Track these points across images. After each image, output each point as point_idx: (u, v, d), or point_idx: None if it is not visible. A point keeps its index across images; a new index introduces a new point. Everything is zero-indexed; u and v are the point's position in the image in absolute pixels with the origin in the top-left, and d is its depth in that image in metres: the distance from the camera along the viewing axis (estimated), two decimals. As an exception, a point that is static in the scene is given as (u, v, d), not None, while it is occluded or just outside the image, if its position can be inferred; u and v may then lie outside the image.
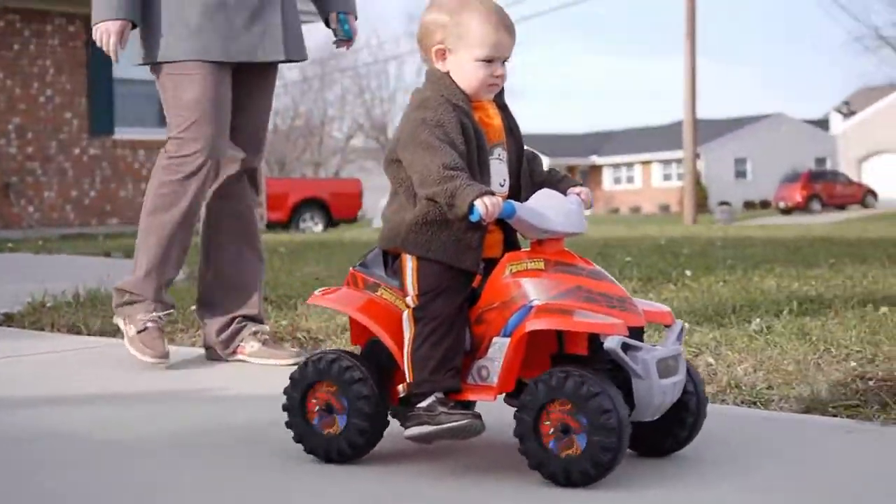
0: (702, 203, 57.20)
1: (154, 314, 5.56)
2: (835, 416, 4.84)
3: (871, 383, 5.19)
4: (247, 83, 5.70)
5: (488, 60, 3.76)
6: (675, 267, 9.77)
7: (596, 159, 78.40)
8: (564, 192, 3.79)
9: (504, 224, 3.70)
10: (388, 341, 3.78)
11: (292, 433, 3.89)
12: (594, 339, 3.60)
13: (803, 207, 57.44)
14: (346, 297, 3.92)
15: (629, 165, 76.49)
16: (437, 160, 3.60)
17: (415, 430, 3.66)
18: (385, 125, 73.06)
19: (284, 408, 3.89)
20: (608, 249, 12.35)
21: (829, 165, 68.80)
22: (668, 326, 3.74)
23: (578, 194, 3.80)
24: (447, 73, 3.81)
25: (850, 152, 65.61)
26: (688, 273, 9.25)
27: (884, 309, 7.21)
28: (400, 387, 3.75)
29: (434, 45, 3.82)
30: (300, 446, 3.89)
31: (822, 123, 77.12)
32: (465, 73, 3.78)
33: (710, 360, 5.78)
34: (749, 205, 67.28)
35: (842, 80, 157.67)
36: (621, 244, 13.62)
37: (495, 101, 3.88)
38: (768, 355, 5.82)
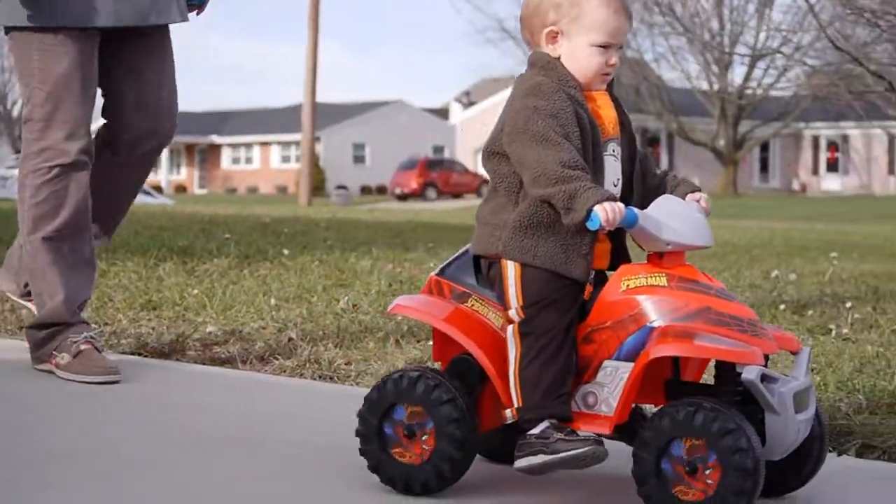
0: (319, 186, 57.85)
1: (84, 335, 4.89)
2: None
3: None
4: (139, 49, 5.06)
5: (605, 46, 3.45)
6: (274, 245, 9.81)
7: (215, 138, 77.60)
8: (683, 197, 3.47)
9: (613, 232, 3.37)
10: (482, 358, 3.43)
11: (367, 462, 3.51)
12: (721, 367, 3.32)
13: (419, 194, 58.89)
14: (431, 306, 3.54)
15: (248, 146, 76.19)
16: (554, 156, 3.28)
17: (528, 461, 3.33)
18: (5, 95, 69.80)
19: (359, 433, 3.50)
20: (211, 227, 12.21)
21: (447, 154, 70.78)
22: (794, 353, 3.46)
23: (698, 201, 3.49)
24: (558, 58, 3.48)
25: (469, 142, 67.70)
26: (285, 252, 9.31)
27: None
28: (507, 412, 3.42)
29: (546, 26, 3.49)
30: (375, 476, 3.51)
31: (443, 112, 79.22)
32: (580, 59, 3.46)
33: (293, 335, 5.86)
34: (366, 190, 68.28)
35: (464, 71, 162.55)
36: (226, 222, 13.53)
37: (607, 91, 3.56)
38: (351, 333, 5.96)
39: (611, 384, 3.30)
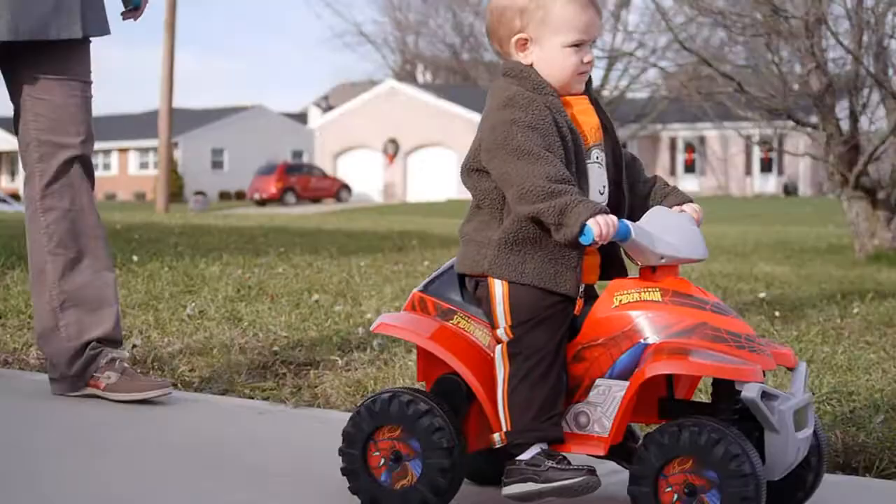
0: (177, 192, 57.25)
1: (116, 353, 4.77)
2: (251, 397, 5.00)
3: (291, 367, 5.40)
4: (45, 63, 4.78)
5: (577, 45, 3.32)
6: (124, 252, 9.72)
7: (70, 144, 76.22)
8: (672, 207, 3.37)
9: (604, 244, 3.21)
10: (470, 378, 3.31)
11: (360, 498, 3.38)
12: (719, 385, 3.23)
13: (278, 199, 58.58)
14: (416, 324, 3.41)
15: (106, 152, 75.04)
16: (538, 171, 3.15)
17: (518, 489, 3.22)
18: None
19: (344, 472, 3.38)
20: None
21: (306, 159, 70.47)
22: (789, 369, 3.34)
23: (684, 210, 3.38)
24: (531, 66, 3.34)
25: (327, 146, 67.51)
26: (135, 258, 9.24)
27: (316, 297, 7.51)
28: (495, 436, 3.30)
29: (514, 34, 3.35)
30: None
31: (302, 117, 78.87)
32: (553, 63, 3.32)
33: (137, 341, 5.82)
34: (225, 195, 67.59)
35: (322, 75, 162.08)
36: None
37: (586, 94, 3.42)
38: (196, 339, 5.93)
39: (604, 403, 3.20)
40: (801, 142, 26.39)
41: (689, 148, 66.68)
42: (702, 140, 64.10)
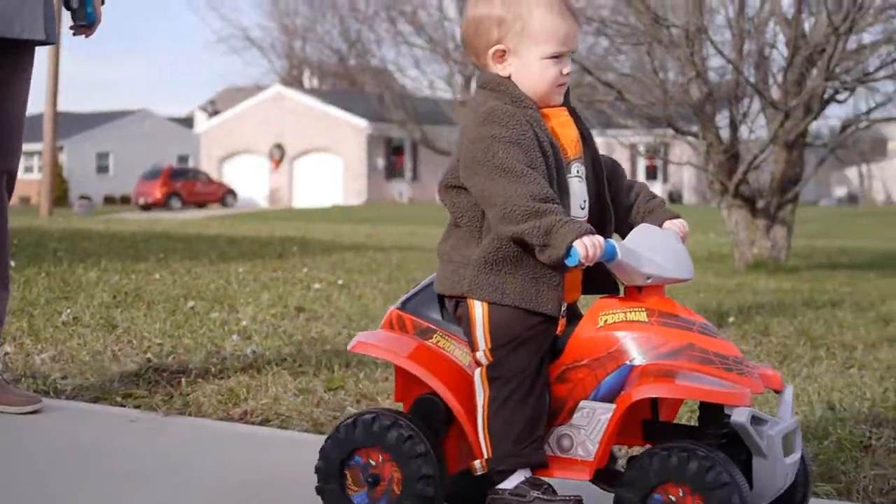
0: (62, 196, 56.40)
1: None
2: (123, 405, 5.00)
3: (164, 374, 5.41)
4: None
5: (557, 56, 3.23)
6: (0, 257, 9.59)
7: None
8: (660, 225, 3.28)
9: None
10: (451, 400, 3.23)
11: None
12: (706, 408, 3.15)
13: (163, 204, 57.99)
14: (394, 342, 3.31)
15: (-13, 155, 73.75)
16: (521, 189, 3.05)
17: None
18: None
19: (319, 491, 3.30)
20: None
21: (192, 163, 69.78)
22: (777, 392, 3.25)
23: (670, 227, 3.29)
24: (508, 78, 3.24)
25: (213, 151, 66.94)
26: (12, 264, 9.13)
27: (192, 303, 7.51)
28: (476, 463, 3.22)
29: (491, 45, 3.24)
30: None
31: (188, 121, 78.12)
32: (533, 74, 3.22)
33: (9, 348, 5.80)
34: (110, 200, 66.65)
35: (208, 80, 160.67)
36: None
37: (563, 105, 3.32)
38: (70, 346, 5.92)
39: (588, 426, 3.13)
40: (685, 150, 26.88)
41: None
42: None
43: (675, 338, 3.09)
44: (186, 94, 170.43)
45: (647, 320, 3.12)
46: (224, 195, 61.54)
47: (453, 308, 3.28)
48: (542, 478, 3.16)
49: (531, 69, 3.21)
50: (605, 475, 3.21)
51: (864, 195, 65.45)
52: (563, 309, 3.23)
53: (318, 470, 3.30)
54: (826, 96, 13.71)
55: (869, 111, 15.10)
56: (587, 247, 2.98)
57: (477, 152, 3.12)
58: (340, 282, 9.55)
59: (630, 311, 3.15)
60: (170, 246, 13.13)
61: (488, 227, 3.17)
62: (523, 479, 3.14)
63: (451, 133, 58.38)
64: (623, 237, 3.27)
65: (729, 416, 3.04)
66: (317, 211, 46.46)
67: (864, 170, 66.25)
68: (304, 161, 64.76)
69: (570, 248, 2.98)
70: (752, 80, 13.84)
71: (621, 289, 3.27)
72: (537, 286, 3.14)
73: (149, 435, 4.46)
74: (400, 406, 3.43)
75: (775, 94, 14.11)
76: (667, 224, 3.28)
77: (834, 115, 41.02)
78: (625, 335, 3.13)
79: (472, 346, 3.22)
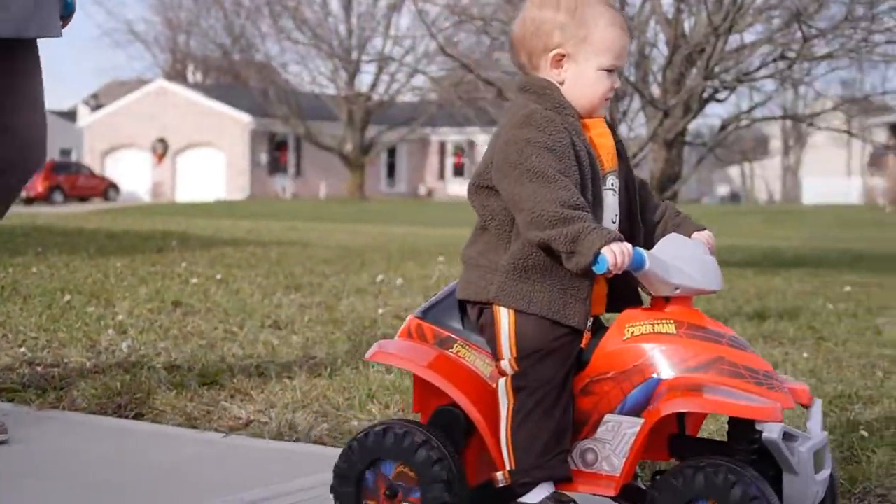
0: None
1: None
2: (-6, 400, 4.92)
3: (38, 369, 5.33)
4: (12, 67, 4.27)
5: (611, 70, 3.18)
6: None
7: None
8: (688, 236, 3.22)
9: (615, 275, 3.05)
10: (472, 411, 3.13)
11: None
12: (736, 423, 3.07)
13: (45, 198, 57.07)
14: (413, 352, 3.22)
15: None
16: (551, 195, 2.97)
17: None
18: None
19: (335, 492, 3.21)
20: None
21: (74, 157, 68.78)
22: (805, 406, 3.15)
23: (698, 238, 3.24)
24: (554, 84, 3.17)
25: (96, 145, 66.03)
26: None
27: (68, 297, 7.42)
28: (499, 475, 3.13)
29: (550, 49, 3.17)
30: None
31: (70, 115, 76.98)
32: (587, 84, 3.17)
33: None
34: (-8, 194, 65.69)
35: (92, 74, 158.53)
36: None
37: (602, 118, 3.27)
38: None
39: (613, 440, 3.05)
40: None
41: (458, 151, 67.45)
42: (471, 144, 64.89)
43: (703, 351, 3.01)
44: (69, 87, 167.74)
45: (675, 332, 3.04)
46: (106, 189, 60.64)
47: (476, 316, 3.19)
48: (566, 492, 3.09)
49: (586, 78, 3.15)
50: (626, 492, 3.13)
51: (747, 193, 66.49)
52: (589, 323, 3.15)
53: (333, 490, 3.21)
54: (705, 95, 13.85)
55: (749, 110, 15.30)
56: (615, 254, 2.89)
57: (510, 154, 3.05)
58: (219, 276, 9.52)
59: (657, 323, 3.06)
60: (49, 240, 12.98)
61: (517, 233, 3.09)
62: (547, 493, 3.06)
63: (334, 128, 58.30)
64: None
65: (759, 432, 2.97)
66: (199, 205, 46.04)
67: (747, 168, 67.34)
68: (188, 155, 64.08)
69: (597, 255, 2.90)
70: (632, 78, 13.96)
71: (645, 303, 3.20)
72: (565, 297, 3.07)
73: (21, 429, 4.37)
74: (418, 417, 3.36)
75: (655, 92, 14.23)
76: (695, 235, 3.24)
77: (714, 114, 41.68)
78: (652, 347, 3.04)
79: (497, 355, 3.14)
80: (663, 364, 3.02)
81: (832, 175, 59.94)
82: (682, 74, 13.64)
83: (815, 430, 3.08)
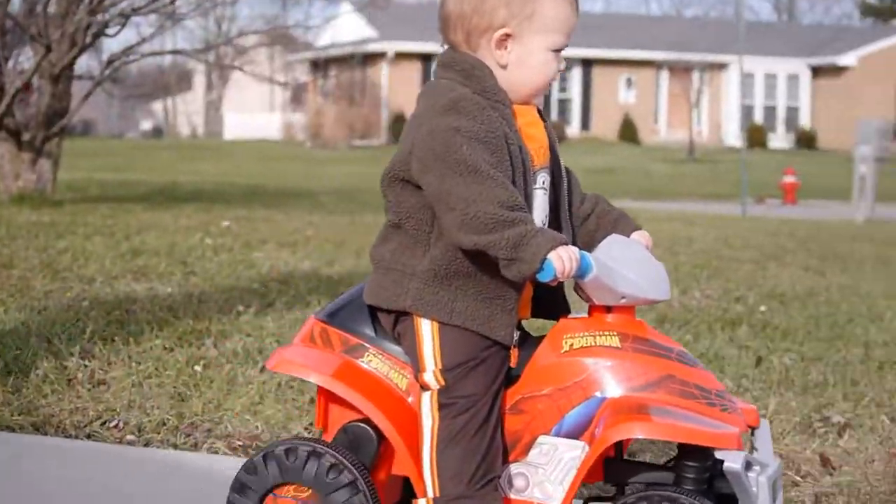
0: None
1: None
2: None
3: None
4: None
5: (559, 50, 2.78)
6: None
7: None
8: (627, 236, 2.85)
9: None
10: (387, 426, 2.73)
11: None
12: (686, 447, 2.73)
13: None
14: (318, 360, 2.79)
15: None
16: (488, 194, 2.57)
17: None
18: None
19: None
20: None
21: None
22: (753, 428, 2.84)
23: (637, 239, 2.88)
24: (486, 65, 2.73)
25: None
26: None
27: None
28: (420, 502, 2.72)
29: (495, 28, 2.73)
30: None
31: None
32: (533, 66, 2.76)
33: None
34: None
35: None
36: None
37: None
38: None
39: (548, 465, 2.71)
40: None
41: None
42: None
43: (652, 367, 2.69)
44: None
45: (619, 346, 2.71)
46: None
47: (392, 323, 2.77)
48: None
49: (533, 60, 2.76)
50: None
51: (169, 129, 66.47)
52: (516, 336, 2.79)
53: (235, 489, 2.77)
54: (94, 30, 13.69)
55: (138, 44, 15.26)
56: (563, 260, 2.55)
57: (436, 145, 2.62)
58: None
59: (600, 335, 2.72)
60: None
61: (439, 234, 2.69)
62: None
63: None
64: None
65: (711, 458, 2.70)
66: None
67: (170, 103, 67.29)
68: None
69: (543, 261, 2.54)
70: (15, 12, 13.53)
71: (575, 309, 2.88)
72: (490, 308, 2.70)
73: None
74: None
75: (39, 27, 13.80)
76: (633, 236, 2.91)
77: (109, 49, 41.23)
78: (595, 363, 2.70)
79: (418, 367, 2.73)
80: (608, 381, 2.69)
81: (254, 111, 60.90)
82: (68, 10, 13.39)
83: (767, 454, 2.82)
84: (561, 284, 2.73)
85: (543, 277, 2.55)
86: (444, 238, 2.68)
